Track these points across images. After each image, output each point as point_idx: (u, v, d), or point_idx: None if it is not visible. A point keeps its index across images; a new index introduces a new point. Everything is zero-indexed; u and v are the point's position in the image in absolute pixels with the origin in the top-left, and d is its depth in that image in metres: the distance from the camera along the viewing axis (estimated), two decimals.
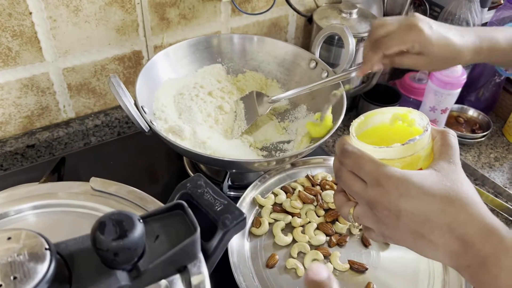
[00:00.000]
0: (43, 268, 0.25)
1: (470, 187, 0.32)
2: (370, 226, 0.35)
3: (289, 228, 0.52)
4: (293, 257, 0.49)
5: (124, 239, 0.27)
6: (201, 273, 0.31)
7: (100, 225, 0.27)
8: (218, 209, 0.36)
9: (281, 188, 0.56)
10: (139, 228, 0.28)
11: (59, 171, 0.59)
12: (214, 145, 0.57)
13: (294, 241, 0.51)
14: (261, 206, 0.54)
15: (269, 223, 0.52)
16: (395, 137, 0.36)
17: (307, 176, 0.58)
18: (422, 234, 0.31)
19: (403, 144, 0.33)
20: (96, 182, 0.37)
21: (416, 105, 0.79)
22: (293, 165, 0.60)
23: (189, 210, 0.32)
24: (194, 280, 0.31)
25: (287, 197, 0.55)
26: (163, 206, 0.32)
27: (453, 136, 0.35)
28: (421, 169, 0.34)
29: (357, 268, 0.49)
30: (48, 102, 0.67)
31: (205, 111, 0.61)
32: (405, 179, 0.31)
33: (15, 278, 0.24)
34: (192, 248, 0.31)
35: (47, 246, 0.26)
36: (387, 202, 0.32)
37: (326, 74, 0.63)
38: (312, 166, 0.60)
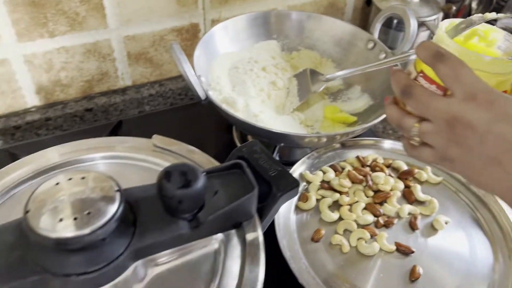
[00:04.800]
0: (113, 208, 0.26)
1: None
2: (435, 144, 0.32)
3: (335, 206, 0.52)
4: (339, 234, 0.49)
5: (188, 188, 0.28)
6: (256, 231, 0.32)
7: (167, 174, 0.29)
8: (272, 174, 0.36)
9: (329, 166, 0.56)
10: (202, 180, 0.29)
11: (116, 133, 0.61)
12: (265, 119, 0.57)
13: (340, 219, 0.51)
14: (308, 182, 0.54)
15: (316, 199, 0.53)
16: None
17: (357, 157, 0.57)
18: (500, 161, 0.29)
19: (508, 58, 0.30)
20: (158, 139, 0.39)
21: None
22: (343, 145, 0.59)
23: (248, 170, 0.32)
24: (249, 236, 0.31)
25: (335, 176, 0.55)
26: (223, 164, 0.33)
27: None
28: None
29: (403, 251, 0.48)
30: (108, 68, 0.70)
31: (258, 85, 0.61)
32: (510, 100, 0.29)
33: (88, 213, 0.26)
34: (249, 206, 0.32)
35: (117, 188, 0.28)
36: (477, 121, 0.29)
37: (384, 55, 0.62)
38: (362, 147, 0.60)
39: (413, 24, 0.58)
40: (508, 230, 0.51)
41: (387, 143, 0.60)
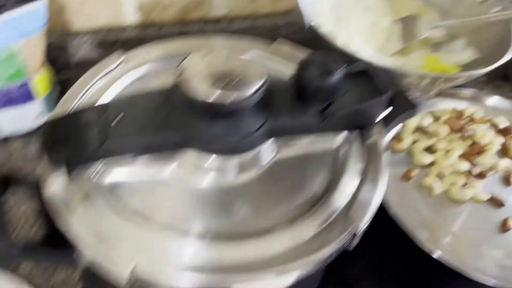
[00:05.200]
0: (258, 84, 0.27)
1: None
2: None
3: (429, 150, 0.52)
4: (430, 176, 0.49)
5: (325, 78, 0.28)
6: (379, 135, 0.32)
7: (306, 63, 0.29)
8: (391, 94, 0.36)
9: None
10: (339, 73, 0.29)
11: None
12: (364, 58, 0.56)
13: (431, 164, 0.50)
14: (403, 126, 0.54)
15: (411, 142, 0.52)
16: None
17: (454, 109, 0.56)
18: None
19: None
20: (282, 43, 0.39)
21: None
22: (440, 94, 0.58)
23: (378, 74, 0.32)
24: (371, 139, 0.32)
25: (432, 122, 0.54)
26: (353, 67, 0.33)
27: None
28: None
29: (495, 202, 0.47)
30: None
31: (360, 24, 0.60)
32: None
33: (235, 84, 0.27)
34: (375, 110, 0.32)
35: (261, 70, 0.28)
36: None
37: (496, 9, 0.59)
38: (460, 99, 0.58)
39: None
40: None
41: (489, 99, 0.58)
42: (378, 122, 0.32)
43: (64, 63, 0.69)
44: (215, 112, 0.27)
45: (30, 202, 0.31)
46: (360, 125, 0.32)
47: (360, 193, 0.29)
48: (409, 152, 0.51)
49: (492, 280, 0.41)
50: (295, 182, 0.30)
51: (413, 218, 0.45)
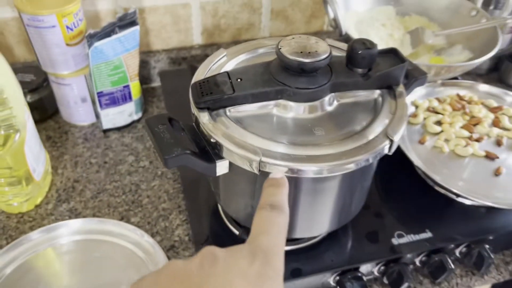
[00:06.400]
0: (326, 53, 0.44)
1: None
2: None
3: (438, 123, 0.68)
4: (440, 140, 0.65)
5: (369, 50, 0.46)
6: (402, 91, 0.49)
7: (354, 43, 0.46)
8: (408, 67, 0.53)
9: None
10: (376, 48, 0.46)
11: None
12: None
13: (440, 132, 0.67)
14: (416, 107, 0.70)
15: (423, 118, 0.68)
16: None
17: (457, 94, 0.72)
18: None
19: None
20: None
21: None
22: (444, 84, 0.75)
23: (401, 52, 0.49)
24: (397, 92, 0.48)
25: (439, 104, 0.70)
26: (383, 48, 0.50)
27: None
28: None
29: (490, 156, 0.63)
30: (255, 20, 0.90)
31: (378, 35, 0.78)
32: None
33: (314, 53, 0.44)
34: (399, 73, 0.48)
35: (327, 46, 0.46)
36: None
37: (484, 20, 0.76)
38: (460, 88, 0.75)
39: None
40: None
41: (482, 86, 0.74)
42: (401, 82, 0.49)
43: (147, 75, 0.87)
44: (300, 70, 0.44)
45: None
46: (390, 83, 0.49)
47: (392, 123, 0.45)
48: (423, 125, 0.68)
49: (496, 205, 0.57)
50: (349, 119, 0.46)
51: (429, 169, 0.60)
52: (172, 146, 0.42)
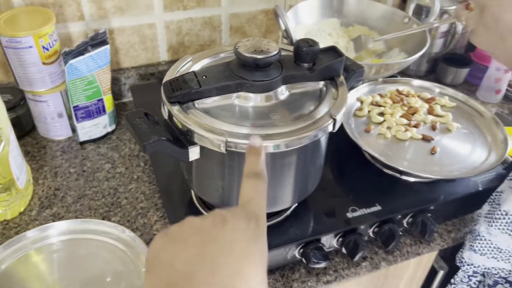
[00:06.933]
0: (276, 51, 0.53)
1: None
2: (472, 26, 0.56)
3: (380, 114, 0.78)
4: (383, 128, 0.74)
5: (311, 47, 0.55)
6: (342, 81, 0.58)
7: (301, 40, 0.55)
8: (348, 63, 0.62)
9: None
10: (318, 45, 0.55)
11: None
12: None
13: (383, 121, 0.76)
14: (361, 102, 0.80)
15: (368, 111, 0.78)
16: None
17: (397, 90, 0.83)
18: (504, 38, 0.52)
19: None
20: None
21: (484, 70, 1.00)
22: (385, 82, 0.85)
23: (339, 49, 0.59)
24: (338, 82, 0.57)
25: (380, 98, 0.80)
26: (324, 47, 0.59)
27: None
28: None
29: (426, 139, 0.73)
30: (216, 36, 0.99)
31: (325, 44, 0.88)
32: None
33: (265, 51, 0.52)
34: (339, 66, 0.58)
35: (277, 45, 0.54)
36: (495, 10, 0.51)
37: (415, 25, 0.88)
38: (398, 84, 0.85)
39: (437, 4, 0.85)
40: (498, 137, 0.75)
41: (417, 81, 0.85)
42: (341, 74, 0.58)
43: (118, 91, 0.94)
44: (255, 65, 0.52)
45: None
46: (332, 75, 0.58)
47: (334, 106, 0.54)
48: (368, 117, 0.77)
49: (433, 176, 0.67)
50: (299, 105, 0.55)
51: (376, 153, 0.70)
52: (149, 134, 0.49)
